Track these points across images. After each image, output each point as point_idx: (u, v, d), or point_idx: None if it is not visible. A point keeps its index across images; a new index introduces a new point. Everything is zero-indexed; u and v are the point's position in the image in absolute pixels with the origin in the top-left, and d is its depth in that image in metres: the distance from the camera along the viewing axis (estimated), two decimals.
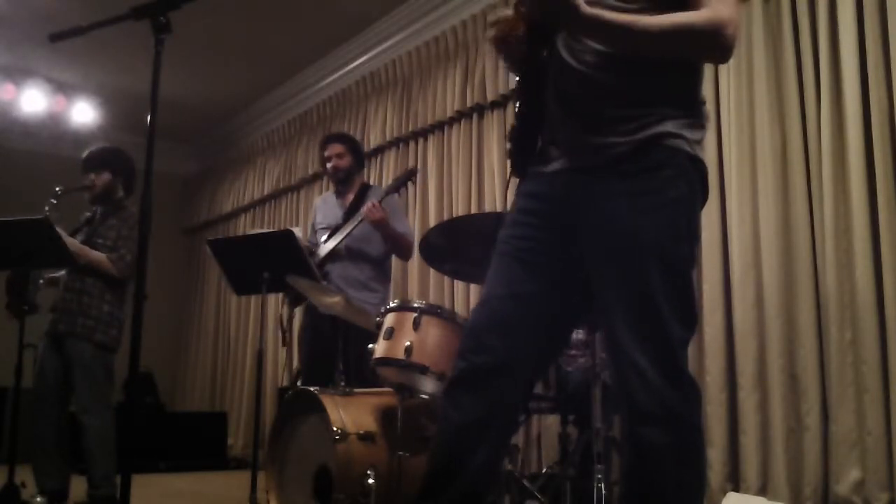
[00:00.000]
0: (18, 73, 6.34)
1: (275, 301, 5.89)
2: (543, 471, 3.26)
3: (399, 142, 5.46)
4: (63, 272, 3.68)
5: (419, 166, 5.16)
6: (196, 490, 5.12)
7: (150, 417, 6.47)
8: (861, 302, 2.96)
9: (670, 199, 1.56)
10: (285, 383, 5.40)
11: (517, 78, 1.73)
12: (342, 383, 3.02)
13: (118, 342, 3.62)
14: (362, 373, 3.18)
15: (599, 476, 2.48)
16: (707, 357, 3.43)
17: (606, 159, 1.58)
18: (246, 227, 7.35)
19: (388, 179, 5.27)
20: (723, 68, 3.53)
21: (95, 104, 6.63)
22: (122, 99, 6.49)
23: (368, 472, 2.67)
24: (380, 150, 5.62)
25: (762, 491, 3.17)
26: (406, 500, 2.64)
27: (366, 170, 4.92)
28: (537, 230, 1.66)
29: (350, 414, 2.80)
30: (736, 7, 1.54)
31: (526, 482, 2.72)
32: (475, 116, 4.84)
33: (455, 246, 2.99)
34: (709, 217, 3.45)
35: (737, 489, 3.25)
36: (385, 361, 2.70)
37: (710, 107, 3.48)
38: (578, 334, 3.06)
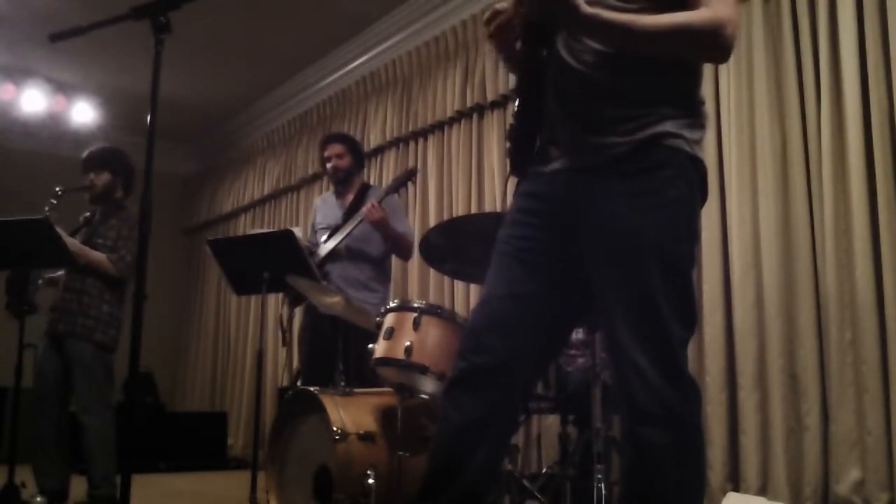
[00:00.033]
0: (18, 73, 6.34)
1: (275, 301, 5.89)
2: (543, 471, 3.27)
3: (399, 142, 5.46)
4: (62, 272, 3.68)
5: (419, 166, 5.16)
6: (196, 490, 5.12)
7: (150, 417, 6.47)
8: (861, 302, 2.96)
9: (670, 199, 1.56)
10: (285, 383, 5.40)
11: (516, 77, 1.73)
12: (342, 383, 3.02)
13: (117, 342, 3.62)
14: (362, 373, 3.18)
15: (599, 476, 2.48)
16: (707, 357, 3.43)
17: (606, 159, 1.58)
18: (246, 227, 7.35)
19: (388, 179, 5.27)
20: (723, 68, 3.53)
21: (95, 104, 6.64)
22: (122, 99, 6.49)
23: (368, 472, 2.67)
24: (380, 150, 5.62)
25: (762, 491, 3.17)
26: (406, 500, 2.64)
27: (366, 170, 4.92)
28: (537, 230, 1.66)
29: (350, 414, 2.80)
30: (735, 7, 1.54)
31: (526, 482, 2.72)
32: (475, 116, 4.84)
33: (455, 246, 2.99)
34: (709, 217, 3.45)
35: (737, 489, 3.25)
36: (385, 361, 2.70)
37: (710, 107, 3.48)
38: (578, 334, 3.06)
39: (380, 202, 3.58)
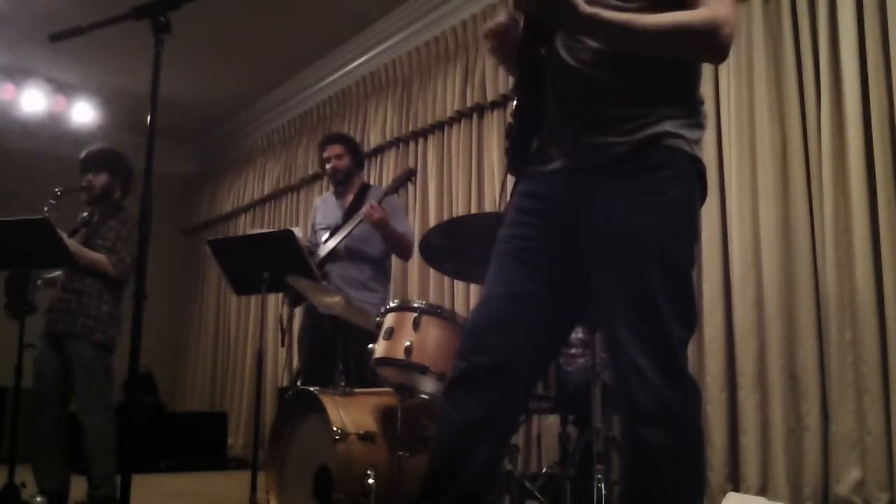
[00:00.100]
0: (18, 73, 6.34)
1: (275, 301, 5.89)
2: (543, 471, 3.27)
3: (399, 142, 5.46)
4: (59, 272, 3.69)
5: (419, 166, 5.17)
6: (196, 490, 5.12)
7: (150, 417, 6.47)
8: (861, 302, 2.96)
9: (670, 198, 1.56)
10: (285, 383, 5.40)
11: (515, 76, 1.73)
12: (342, 383, 3.02)
13: (116, 342, 3.62)
14: (362, 373, 3.18)
15: (599, 476, 2.48)
16: (707, 357, 3.43)
17: (606, 159, 1.58)
18: (246, 227, 7.35)
19: (388, 179, 5.27)
20: (723, 68, 3.53)
21: (95, 104, 6.64)
22: (122, 99, 6.49)
23: (368, 472, 2.67)
24: (380, 150, 5.62)
25: (762, 491, 3.17)
26: (406, 500, 2.64)
27: (366, 170, 4.92)
28: (537, 230, 1.66)
29: (350, 414, 2.80)
30: (733, 7, 1.54)
31: (526, 482, 2.72)
32: (475, 116, 4.84)
33: (455, 246, 2.99)
34: (709, 217, 3.46)
35: (737, 489, 3.25)
36: (385, 361, 2.70)
37: (710, 107, 3.48)
38: (578, 334, 3.06)
39: (379, 202, 3.58)
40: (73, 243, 3.49)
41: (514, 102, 1.67)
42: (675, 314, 1.54)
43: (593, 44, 1.59)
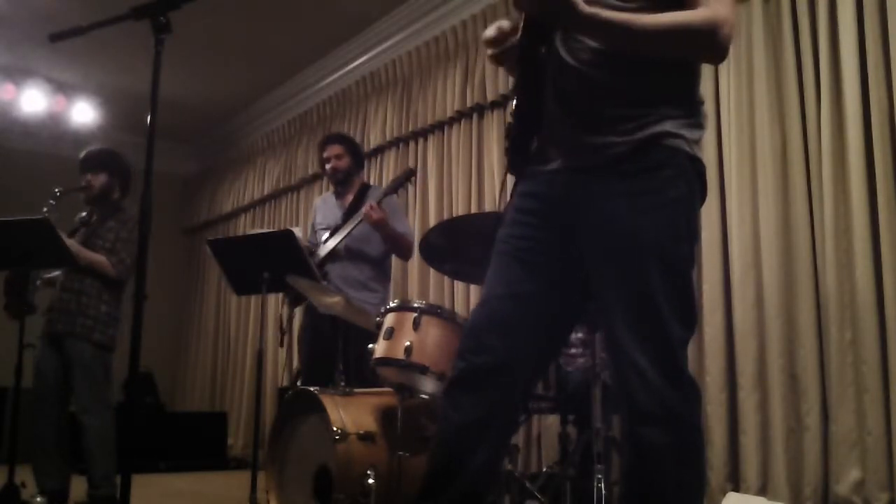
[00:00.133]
0: (18, 73, 6.34)
1: (275, 301, 5.89)
2: (543, 471, 3.26)
3: (399, 142, 5.46)
4: (58, 273, 3.69)
5: (419, 166, 5.17)
6: (196, 490, 5.12)
7: (150, 417, 6.47)
8: (861, 302, 2.96)
9: (670, 198, 1.56)
10: (285, 383, 5.40)
11: (515, 76, 1.73)
12: (342, 383, 3.02)
13: (115, 342, 3.62)
14: (362, 373, 3.17)
15: (599, 476, 2.48)
16: (707, 357, 3.43)
17: (606, 159, 1.58)
18: (246, 227, 7.35)
19: (388, 179, 5.27)
20: (723, 68, 3.53)
21: (95, 104, 6.64)
22: (122, 99, 6.49)
23: (368, 472, 2.67)
24: (380, 150, 5.62)
25: (762, 491, 3.17)
26: (406, 500, 2.64)
27: (366, 170, 4.92)
28: (536, 230, 1.66)
29: (350, 414, 2.80)
30: (732, 7, 1.54)
31: (526, 482, 2.72)
32: (475, 116, 4.84)
33: (455, 246, 2.99)
34: (709, 217, 3.46)
35: (737, 489, 3.25)
36: (385, 361, 2.70)
37: (709, 107, 3.48)
38: (578, 334, 3.06)
39: (379, 203, 3.58)
40: (73, 244, 3.49)
41: (514, 102, 1.67)
42: (675, 314, 1.54)
43: (593, 43, 1.59)
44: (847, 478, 2.92)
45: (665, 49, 1.56)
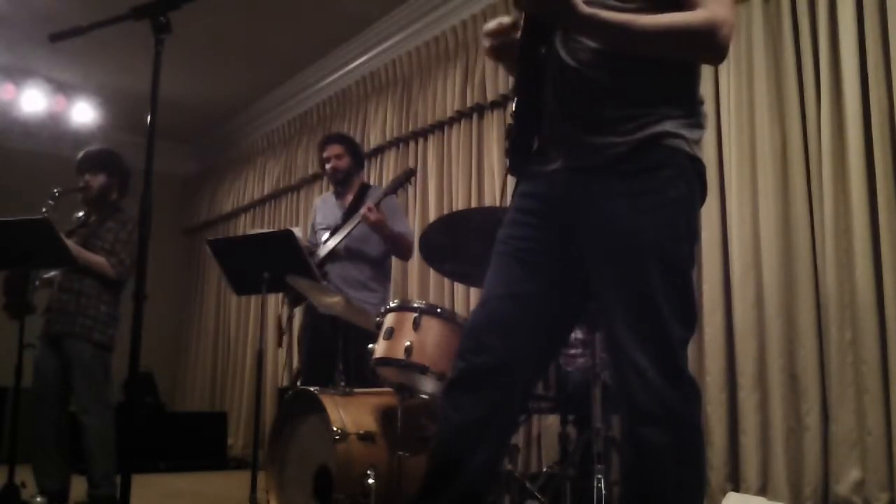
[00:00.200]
0: (18, 73, 6.34)
1: (275, 301, 5.89)
2: (543, 471, 3.26)
3: (399, 142, 5.46)
4: (56, 272, 3.69)
5: (419, 166, 5.17)
6: (196, 490, 5.12)
7: (150, 417, 6.47)
8: (861, 302, 2.96)
9: (670, 198, 1.56)
10: (285, 383, 5.40)
11: (515, 76, 1.73)
12: (342, 383, 3.02)
13: (114, 342, 3.62)
14: (362, 373, 3.18)
15: (599, 476, 2.48)
16: (707, 357, 3.42)
17: (606, 159, 1.58)
18: (246, 227, 7.35)
19: (388, 179, 5.27)
20: (723, 68, 3.53)
21: (95, 104, 6.63)
22: (122, 99, 6.49)
23: (368, 472, 2.67)
24: (380, 150, 5.62)
25: (762, 491, 3.17)
26: (406, 500, 2.64)
27: (366, 170, 4.92)
28: (536, 230, 1.66)
29: (350, 414, 2.80)
30: (731, 8, 1.54)
31: (526, 482, 2.72)
32: (475, 116, 4.84)
33: (455, 242, 2.98)
34: (709, 217, 3.45)
35: (737, 489, 3.25)
36: (385, 361, 2.70)
37: (709, 107, 3.48)
38: (578, 334, 3.06)
39: (378, 203, 3.58)
40: (72, 244, 3.49)
41: (514, 103, 1.67)
42: (675, 314, 1.54)
43: (593, 44, 1.59)
44: (847, 478, 2.92)
45: (664, 50, 1.56)
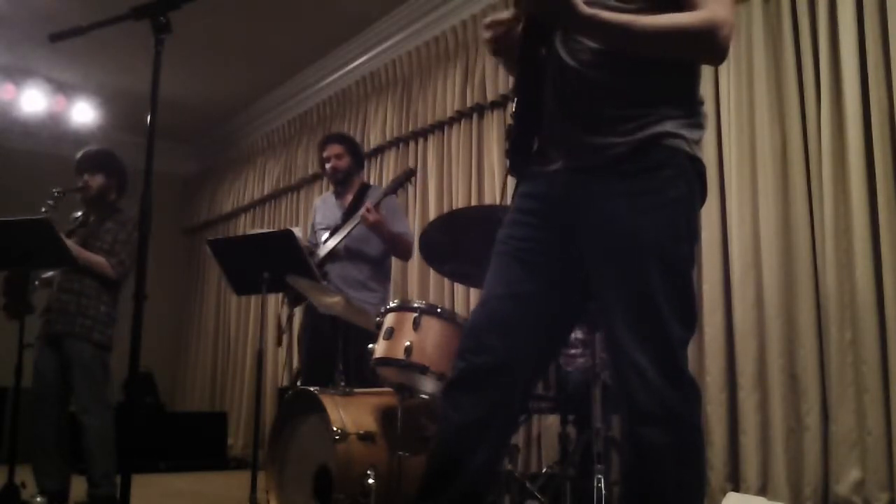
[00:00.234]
0: (18, 73, 6.34)
1: (275, 301, 5.89)
2: (543, 471, 3.26)
3: (399, 142, 5.46)
4: (55, 273, 3.69)
5: (419, 166, 5.17)
6: (196, 490, 5.12)
7: (150, 417, 6.47)
8: (861, 302, 2.96)
9: (670, 199, 1.57)
10: (285, 383, 5.41)
11: (515, 77, 1.73)
12: (342, 383, 3.02)
13: (113, 341, 3.62)
14: (362, 373, 3.17)
15: (599, 476, 2.48)
16: (707, 357, 3.42)
17: (606, 159, 1.58)
18: (246, 227, 7.35)
19: (388, 179, 5.27)
20: (723, 68, 3.52)
21: (95, 104, 6.63)
22: (122, 99, 6.49)
23: (368, 472, 2.67)
24: (380, 150, 5.62)
25: (762, 491, 3.17)
26: (406, 500, 2.64)
27: (366, 170, 4.92)
28: (536, 230, 1.66)
29: (350, 414, 2.80)
30: (731, 8, 1.54)
31: (526, 482, 2.72)
32: (475, 116, 4.84)
33: (455, 241, 2.98)
34: (709, 217, 3.45)
35: (737, 489, 3.25)
36: (385, 361, 2.69)
37: (709, 107, 3.48)
38: (578, 334, 3.06)
39: (378, 203, 3.58)
40: (72, 244, 3.49)
41: (514, 103, 1.67)
42: (675, 314, 1.54)
43: (593, 44, 1.59)
44: (847, 478, 2.92)
45: (664, 50, 1.56)
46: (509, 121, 1.67)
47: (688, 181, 1.59)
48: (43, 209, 3.51)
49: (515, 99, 1.68)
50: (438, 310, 2.71)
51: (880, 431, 2.87)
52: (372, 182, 5.20)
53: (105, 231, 3.67)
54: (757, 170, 3.39)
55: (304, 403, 2.93)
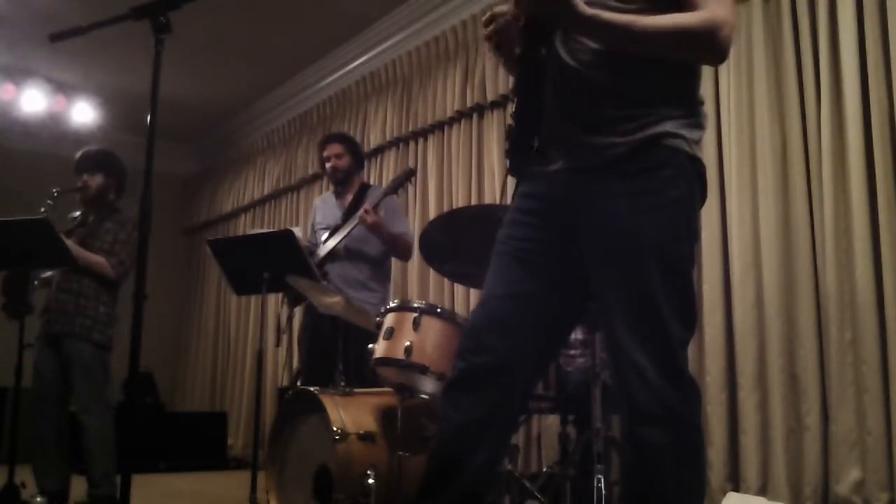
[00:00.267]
0: (18, 73, 6.34)
1: (275, 301, 5.89)
2: (543, 471, 3.26)
3: (399, 142, 5.46)
4: (53, 272, 3.69)
5: (419, 166, 5.17)
6: (196, 490, 5.12)
7: (150, 417, 6.47)
8: (861, 302, 2.96)
9: (670, 199, 1.57)
10: (285, 383, 5.40)
11: (515, 77, 1.73)
12: (342, 383, 3.02)
13: (112, 341, 3.62)
14: (362, 373, 3.17)
15: (599, 476, 2.48)
16: (707, 357, 3.42)
17: (606, 159, 1.58)
18: (246, 227, 7.35)
19: (388, 179, 5.27)
20: (723, 68, 3.52)
21: (95, 104, 6.63)
22: (122, 99, 6.49)
23: (368, 472, 2.67)
24: (380, 150, 5.62)
25: (762, 491, 3.17)
26: (406, 500, 2.64)
27: (366, 170, 4.92)
28: (536, 230, 1.66)
29: (350, 414, 2.80)
30: (732, 9, 1.54)
31: (526, 482, 2.72)
32: (475, 116, 4.84)
33: (455, 240, 2.97)
34: (709, 217, 3.45)
35: (737, 489, 3.25)
36: (385, 361, 2.70)
37: (709, 107, 3.48)
38: (578, 334, 3.06)
39: (378, 203, 3.58)
40: (72, 244, 3.49)
41: (514, 103, 1.67)
42: (675, 314, 1.54)
43: (593, 45, 1.59)
44: (847, 478, 2.92)
45: (665, 51, 1.56)
46: (509, 121, 1.67)
47: (688, 181, 1.59)
48: (42, 209, 3.51)
49: (515, 99, 1.68)
50: (438, 310, 2.71)
51: (880, 431, 2.87)
52: (372, 182, 5.20)
53: (105, 231, 3.67)
54: (757, 170, 3.39)
55: (304, 403, 2.93)
